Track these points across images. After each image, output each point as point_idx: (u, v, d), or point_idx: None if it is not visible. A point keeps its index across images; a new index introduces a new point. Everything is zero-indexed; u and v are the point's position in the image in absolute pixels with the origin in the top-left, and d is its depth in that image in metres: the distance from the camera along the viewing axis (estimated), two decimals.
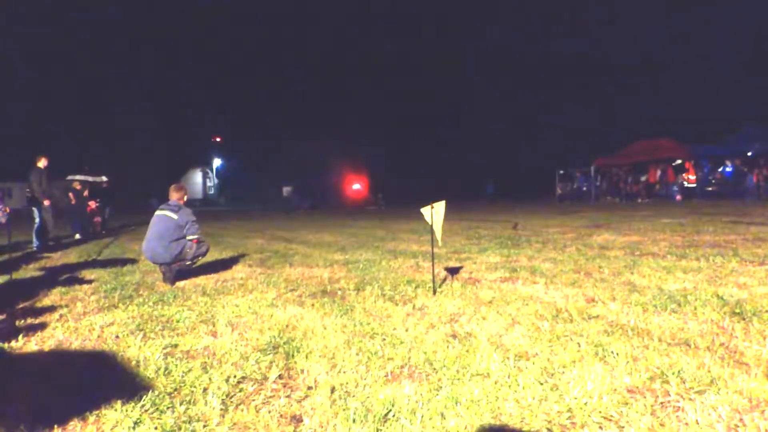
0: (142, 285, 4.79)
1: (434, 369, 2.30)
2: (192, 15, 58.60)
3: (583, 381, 2.08)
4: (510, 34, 55.69)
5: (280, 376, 2.31)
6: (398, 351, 2.56)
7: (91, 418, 1.92)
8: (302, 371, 2.36)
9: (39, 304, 4.01)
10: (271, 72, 59.12)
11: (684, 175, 21.17)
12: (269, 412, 1.96)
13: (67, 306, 3.91)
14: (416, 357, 2.46)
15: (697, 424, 1.73)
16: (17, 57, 41.12)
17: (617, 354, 2.36)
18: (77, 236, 10.23)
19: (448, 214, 4.17)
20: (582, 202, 23.27)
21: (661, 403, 1.88)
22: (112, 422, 1.89)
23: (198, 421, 1.89)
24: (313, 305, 3.69)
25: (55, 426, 1.86)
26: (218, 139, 52.53)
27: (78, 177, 11.87)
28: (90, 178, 12.50)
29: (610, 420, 1.78)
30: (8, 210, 6.82)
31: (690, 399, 1.89)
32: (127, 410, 1.97)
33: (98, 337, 3.05)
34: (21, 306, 3.96)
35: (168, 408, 1.99)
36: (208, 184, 54.09)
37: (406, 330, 2.95)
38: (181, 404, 2.02)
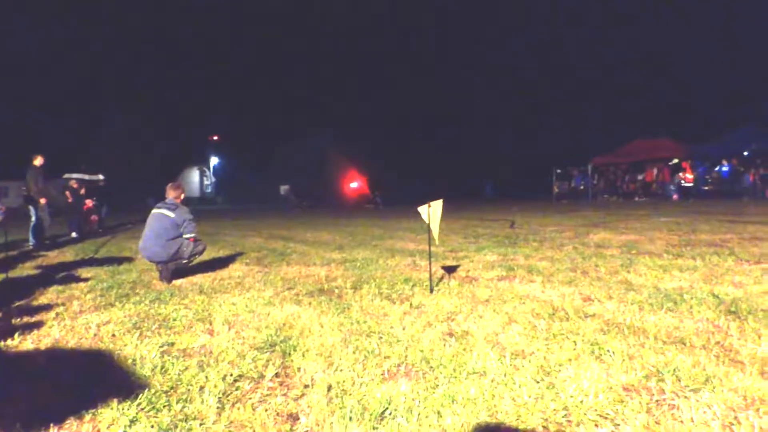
0: (138, 283, 4.78)
1: (431, 367, 2.31)
2: (189, 13, 58.43)
3: (579, 379, 2.09)
4: (510, 34, 55.75)
5: (277, 375, 2.32)
6: (395, 349, 2.56)
7: (88, 417, 1.92)
8: (299, 369, 2.36)
9: (35, 303, 4.00)
10: (269, 71, 59.02)
11: (681, 174, 21.23)
12: (266, 410, 1.96)
13: (63, 304, 3.90)
14: (413, 355, 2.47)
15: (692, 422, 1.74)
16: (15, 56, 40.96)
17: (613, 352, 2.38)
18: (74, 235, 10.19)
19: (445, 212, 4.17)
20: (579, 200, 23.31)
21: (657, 401, 1.89)
22: (109, 420, 1.89)
23: (194, 419, 1.89)
24: (310, 304, 3.69)
25: (52, 424, 1.86)
26: (215, 138, 52.40)
27: (75, 175, 11.82)
28: (87, 177, 12.44)
29: (606, 418, 1.79)
30: (4, 209, 6.80)
31: (685, 397, 1.90)
32: (123, 409, 1.96)
33: (95, 335, 3.04)
34: (17, 304, 3.95)
35: (164, 406, 1.99)
36: (206, 182, 53.96)
37: (403, 328, 2.95)
38: (177, 402, 2.02)
